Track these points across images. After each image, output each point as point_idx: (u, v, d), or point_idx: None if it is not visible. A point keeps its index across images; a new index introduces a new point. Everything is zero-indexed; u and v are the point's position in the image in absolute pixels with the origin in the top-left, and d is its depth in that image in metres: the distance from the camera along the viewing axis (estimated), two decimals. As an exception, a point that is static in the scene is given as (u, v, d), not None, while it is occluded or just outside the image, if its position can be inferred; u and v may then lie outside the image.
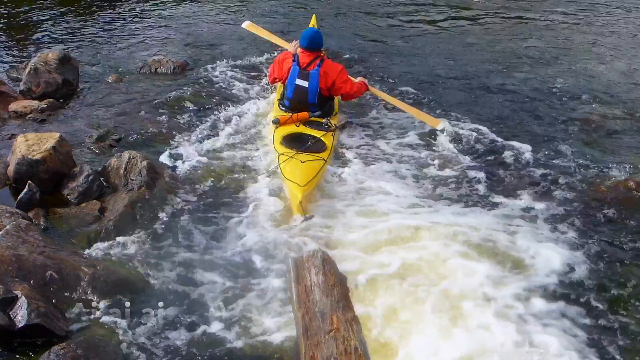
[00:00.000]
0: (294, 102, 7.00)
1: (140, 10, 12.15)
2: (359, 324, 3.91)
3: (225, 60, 9.37)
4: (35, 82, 7.88)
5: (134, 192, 5.71)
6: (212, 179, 6.29)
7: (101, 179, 5.98)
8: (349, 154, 6.96)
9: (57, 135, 6.07)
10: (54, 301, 4.30)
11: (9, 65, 9.04)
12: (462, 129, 7.56)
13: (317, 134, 6.69)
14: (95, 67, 9.10)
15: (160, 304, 4.57)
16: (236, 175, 6.43)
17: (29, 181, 5.58)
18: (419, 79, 9.17)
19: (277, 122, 6.78)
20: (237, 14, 11.87)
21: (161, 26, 11.28)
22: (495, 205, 6.17)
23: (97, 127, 7.07)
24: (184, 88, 8.35)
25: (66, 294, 4.42)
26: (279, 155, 6.32)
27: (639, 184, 6.33)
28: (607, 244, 5.62)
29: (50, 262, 4.51)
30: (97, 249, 5.01)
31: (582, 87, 9.06)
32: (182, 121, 7.44)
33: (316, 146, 6.50)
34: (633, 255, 5.48)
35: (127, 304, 4.51)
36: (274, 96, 7.81)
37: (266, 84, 8.53)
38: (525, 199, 6.28)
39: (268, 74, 7.61)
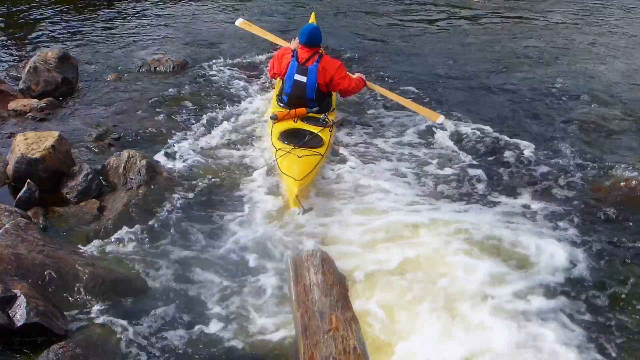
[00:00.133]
0: (293, 98, 7.04)
1: (139, 9, 12.15)
2: (357, 323, 3.93)
3: (224, 59, 9.38)
4: (35, 80, 7.88)
5: (133, 191, 5.71)
6: (211, 177, 6.28)
7: (100, 177, 5.98)
8: (347, 152, 6.98)
9: (56, 134, 6.06)
10: (53, 300, 4.29)
11: (9, 64, 9.04)
12: (461, 127, 7.58)
13: (314, 129, 6.72)
14: (94, 66, 9.10)
15: (159, 302, 4.59)
16: (235, 174, 6.44)
17: (28, 180, 5.58)
18: (418, 78, 9.17)
19: (275, 118, 6.81)
20: (237, 13, 11.86)
21: (160, 25, 11.28)
22: (494, 204, 6.18)
23: (97, 126, 7.07)
24: (184, 87, 8.37)
25: (65, 292, 4.42)
26: (276, 150, 6.36)
27: (639, 184, 6.34)
28: (608, 242, 5.62)
29: (49, 261, 4.50)
30: (96, 248, 5.01)
31: (582, 87, 9.07)
32: (181, 120, 7.44)
33: (313, 141, 6.53)
34: (633, 254, 5.49)
35: (126, 302, 4.53)
36: (273, 93, 7.85)
37: (265, 82, 8.58)
38: (524, 197, 6.29)
39: (268, 68, 7.66)
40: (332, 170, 6.60)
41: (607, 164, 6.88)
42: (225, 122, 7.43)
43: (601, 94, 8.82)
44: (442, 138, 7.39)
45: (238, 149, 6.93)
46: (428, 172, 6.71)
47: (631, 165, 6.79)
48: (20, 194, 5.49)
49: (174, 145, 6.77)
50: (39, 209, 5.45)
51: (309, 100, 7.01)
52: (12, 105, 7.40)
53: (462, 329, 4.55)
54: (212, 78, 8.76)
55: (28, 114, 7.25)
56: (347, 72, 7.31)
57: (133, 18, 11.60)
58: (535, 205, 6.13)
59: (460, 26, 12.02)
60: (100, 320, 4.30)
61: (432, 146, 7.30)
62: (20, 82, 7.95)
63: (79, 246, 5.01)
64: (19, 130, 6.58)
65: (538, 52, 10.64)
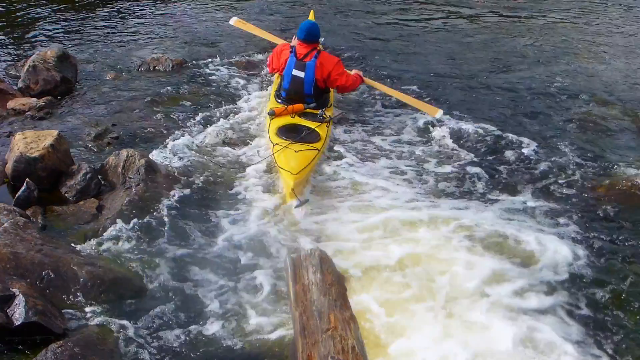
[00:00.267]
0: (291, 93, 7.09)
1: (138, 8, 12.15)
2: (356, 322, 3.93)
3: (223, 58, 9.42)
4: (34, 79, 7.88)
5: (131, 190, 5.71)
6: (209, 176, 6.29)
7: (99, 177, 5.98)
8: (346, 149, 7.01)
9: (55, 133, 6.06)
10: (51, 299, 4.29)
11: (8, 63, 9.04)
12: (460, 125, 7.62)
13: (312, 125, 6.77)
14: (93, 65, 9.10)
15: (158, 301, 4.58)
16: (233, 172, 6.45)
17: (27, 179, 5.58)
18: (418, 77, 9.19)
19: (273, 114, 6.86)
20: (236, 12, 11.88)
21: (159, 24, 11.29)
22: (494, 201, 6.19)
23: (95, 125, 7.07)
24: (182, 86, 8.38)
25: (64, 291, 4.42)
26: (273, 145, 6.41)
27: (638, 183, 6.34)
28: (607, 241, 5.63)
29: (48, 260, 4.50)
30: (95, 247, 5.00)
31: (581, 86, 9.09)
32: (180, 118, 7.44)
33: (310, 137, 6.58)
34: (633, 253, 5.50)
35: (124, 301, 4.52)
36: (271, 89, 7.91)
37: (263, 80, 8.63)
38: (523, 195, 6.31)
39: (267, 63, 7.71)
40: (331, 167, 6.62)
41: (606, 162, 6.89)
42: (223, 120, 7.43)
43: (600, 93, 8.84)
44: (441, 136, 7.43)
45: (236, 147, 6.94)
46: (427, 170, 6.73)
47: (630, 164, 6.81)
48: (19, 193, 5.49)
49: (172, 144, 6.77)
50: (37, 208, 5.44)
51: (306, 95, 7.06)
52: (11, 104, 7.40)
53: (461, 326, 4.56)
54: (211, 77, 8.78)
55: (27, 113, 7.25)
56: (345, 69, 7.34)
57: (132, 17, 11.61)
58: (535, 203, 6.14)
59: (460, 25, 12.04)
60: (98, 319, 4.30)
61: (431, 144, 7.32)
62: (19, 81, 7.95)
63: (78, 245, 5.00)
64: (17, 129, 6.59)
65: (537, 51, 10.65)
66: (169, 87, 8.26)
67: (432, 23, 12.08)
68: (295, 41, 7.37)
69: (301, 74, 7.00)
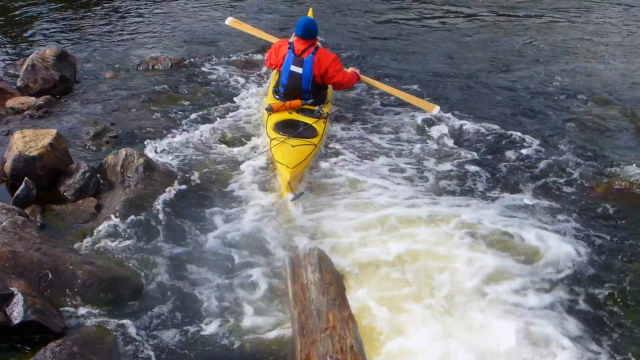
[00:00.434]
0: (289, 89, 7.15)
1: (137, 7, 12.14)
2: (355, 322, 3.93)
3: (221, 56, 9.43)
4: (33, 78, 7.87)
5: (130, 189, 5.71)
6: (208, 174, 6.30)
7: (98, 176, 5.97)
8: (344, 147, 7.06)
9: (54, 131, 6.06)
10: (50, 298, 4.29)
11: (7, 62, 9.02)
12: (459, 124, 7.66)
13: (309, 120, 6.82)
14: (92, 64, 9.09)
15: (156, 301, 4.59)
16: (231, 170, 6.47)
17: (26, 178, 5.57)
18: (417, 76, 9.20)
19: (271, 110, 6.92)
20: (235, 11, 11.87)
21: (158, 23, 11.28)
22: (492, 199, 6.22)
23: (94, 124, 7.06)
24: (181, 85, 8.39)
25: (62, 290, 4.42)
26: (270, 140, 6.47)
27: (637, 182, 6.35)
28: (606, 239, 5.65)
29: (47, 259, 4.50)
30: (93, 246, 5.01)
31: (581, 85, 9.11)
32: (178, 117, 7.44)
33: (307, 132, 6.64)
34: (632, 251, 5.52)
35: (123, 300, 4.53)
36: (269, 85, 7.96)
37: (261, 78, 8.66)
38: (522, 193, 6.34)
39: (265, 58, 7.77)
40: (329, 164, 6.66)
41: (605, 162, 6.92)
42: (222, 118, 7.45)
43: (599, 92, 8.87)
44: (440, 134, 7.47)
45: (234, 145, 6.97)
46: (425, 167, 6.76)
47: (629, 164, 6.82)
48: (17, 192, 5.49)
49: (171, 143, 6.78)
50: (36, 206, 5.44)
51: (304, 91, 7.12)
52: (10, 103, 7.39)
53: (460, 324, 4.57)
54: (210, 75, 8.79)
55: (26, 112, 7.24)
56: (342, 67, 7.39)
57: (131, 16, 11.60)
58: (534, 202, 6.16)
59: (459, 24, 12.04)
60: (97, 318, 4.31)
61: (429, 142, 7.35)
62: (18, 79, 7.94)
63: (76, 244, 5.00)
64: (16, 128, 6.57)
65: (536, 51, 10.66)
66: (167, 86, 8.26)
67: (431, 22, 12.08)
68: (293, 38, 7.40)
69: (299, 70, 7.05)
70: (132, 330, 4.25)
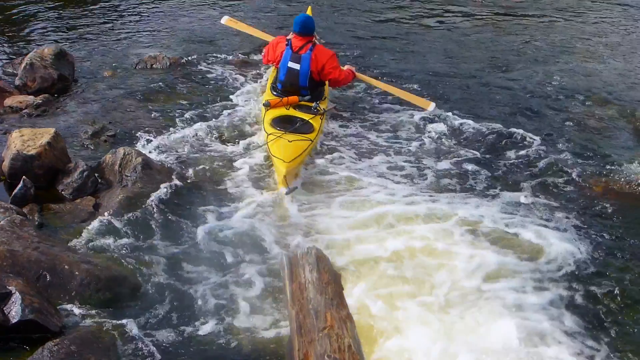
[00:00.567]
0: (286, 85, 7.21)
1: (136, 6, 12.11)
2: (352, 321, 3.93)
3: (220, 55, 9.43)
4: (31, 77, 7.87)
5: (128, 188, 5.71)
6: (206, 173, 6.34)
7: (96, 175, 5.97)
8: (341, 144, 7.13)
9: (52, 130, 6.05)
10: (47, 297, 4.29)
11: (5, 61, 9.00)
12: (457, 122, 7.70)
13: (306, 116, 6.90)
14: (91, 63, 9.08)
15: (154, 300, 4.60)
16: (229, 169, 6.49)
17: (24, 177, 5.57)
18: (415, 75, 9.21)
19: (268, 105, 7.00)
20: (234, 10, 11.85)
21: (157, 22, 11.26)
22: (490, 198, 6.25)
23: (93, 123, 7.05)
24: (179, 84, 8.39)
25: (60, 289, 4.41)
26: (267, 135, 6.55)
27: (636, 181, 6.35)
28: (605, 239, 5.68)
29: (45, 258, 4.50)
30: (91, 245, 5.01)
31: (579, 85, 9.12)
32: (177, 116, 7.44)
33: (304, 128, 6.72)
34: (630, 250, 5.55)
35: (121, 299, 4.53)
36: (266, 82, 8.01)
37: (258, 77, 8.67)
38: (519, 192, 6.37)
39: (263, 54, 7.85)
40: (326, 162, 6.72)
41: (603, 161, 6.95)
42: (220, 117, 7.47)
43: (598, 92, 8.90)
44: (438, 132, 7.51)
45: (232, 144, 6.98)
46: (423, 166, 6.80)
47: (627, 164, 6.85)
48: (15, 191, 5.48)
49: (169, 142, 6.80)
50: (34, 205, 5.44)
51: (301, 87, 7.17)
52: (8, 101, 7.38)
53: (458, 322, 4.61)
54: (208, 74, 8.79)
55: (24, 111, 7.23)
56: (339, 64, 7.47)
57: (129, 15, 11.58)
58: (532, 200, 6.20)
59: (458, 24, 12.04)
60: (95, 317, 4.31)
61: (427, 140, 7.38)
62: (16, 78, 7.94)
63: (74, 243, 5.00)
64: (14, 127, 6.56)
65: (535, 50, 10.67)
66: (166, 85, 8.26)
67: (430, 21, 12.08)
68: (291, 35, 7.45)
69: (296, 66, 7.11)
70: (129, 329, 4.24)
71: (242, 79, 8.70)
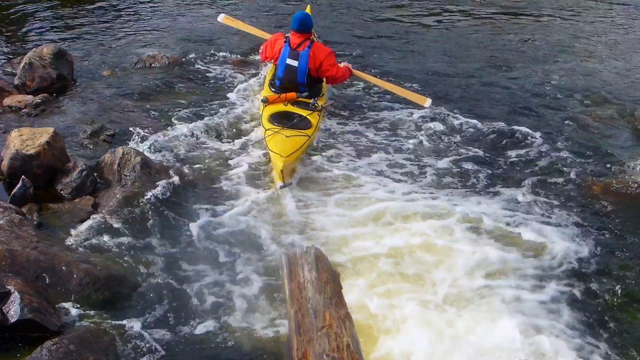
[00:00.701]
0: (284, 82, 7.27)
1: (135, 5, 12.13)
2: (351, 320, 3.93)
3: (218, 54, 9.47)
4: (30, 76, 7.86)
5: (127, 187, 5.71)
6: (205, 172, 6.35)
7: (95, 174, 5.97)
8: (340, 142, 7.18)
9: (51, 130, 6.05)
10: (46, 296, 4.29)
11: (4, 60, 9.00)
12: (455, 120, 7.75)
13: (303, 112, 6.99)
14: (90, 62, 9.08)
15: (153, 299, 4.60)
16: (228, 167, 6.51)
17: (23, 176, 5.57)
18: (414, 74, 9.25)
19: (266, 101, 7.09)
20: (233, 9, 11.86)
21: (156, 21, 11.27)
22: (488, 196, 6.27)
23: (91, 122, 7.05)
24: (178, 83, 8.41)
25: (59, 289, 4.42)
26: (265, 130, 6.63)
27: (634, 181, 6.36)
28: (604, 237, 5.70)
29: (43, 257, 4.50)
30: (90, 245, 5.00)
31: (578, 85, 9.15)
32: (176, 116, 7.45)
33: (302, 123, 6.81)
34: (629, 249, 5.56)
35: (120, 299, 4.54)
36: (264, 79, 8.07)
37: (257, 76, 8.71)
38: (518, 190, 6.37)
39: (260, 51, 7.87)
40: (324, 159, 6.77)
41: (601, 161, 6.98)
42: (218, 116, 7.50)
43: (597, 91, 8.92)
44: (436, 130, 7.55)
45: (231, 142, 7.02)
46: (422, 163, 6.84)
47: (625, 163, 6.86)
48: (14, 190, 5.48)
49: (168, 141, 6.80)
50: (33, 205, 5.44)
51: (299, 84, 7.24)
52: (7, 101, 7.37)
53: (457, 321, 4.60)
54: (207, 73, 8.81)
55: (23, 110, 7.23)
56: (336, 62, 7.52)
57: (128, 14, 11.59)
58: (531, 198, 6.23)
59: (458, 23, 12.07)
60: (93, 316, 4.31)
61: (425, 138, 7.42)
62: (15, 78, 7.93)
63: (73, 243, 5.00)
64: (13, 126, 6.55)
65: (534, 49, 10.69)
66: (164, 84, 8.28)
67: (429, 21, 12.10)
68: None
69: (295, 63, 7.17)
70: (128, 329, 4.25)
71: (240, 77, 8.73)
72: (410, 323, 4.52)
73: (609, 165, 6.84)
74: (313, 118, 6.95)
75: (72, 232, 5.16)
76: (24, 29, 10.50)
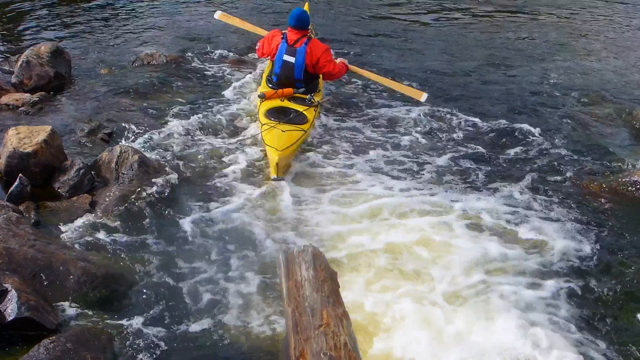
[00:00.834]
0: (281, 78, 7.33)
1: (133, 3, 12.11)
2: (348, 319, 3.93)
3: (216, 52, 9.49)
4: (28, 74, 7.85)
5: (125, 185, 5.71)
6: (202, 170, 6.37)
7: (92, 172, 5.96)
8: (336, 138, 7.23)
9: (48, 128, 6.04)
10: (44, 294, 4.28)
11: (1, 58, 8.99)
12: (453, 118, 7.78)
13: (300, 108, 7.05)
14: (87, 61, 9.08)
15: (150, 297, 4.59)
16: (226, 165, 6.52)
17: (20, 174, 5.56)
18: (412, 72, 9.27)
19: (263, 97, 7.15)
20: (230, 7, 11.85)
21: (154, 20, 11.27)
22: (486, 194, 6.27)
23: (89, 121, 7.04)
24: (176, 81, 8.40)
25: (56, 287, 4.41)
26: (261, 125, 6.68)
27: (632, 179, 6.37)
28: (603, 235, 5.70)
29: (41, 255, 4.49)
30: (88, 243, 5.00)
31: (576, 83, 9.16)
32: (173, 114, 7.45)
33: (298, 119, 6.87)
34: (628, 249, 5.57)
35: (117, 297, 4.53)
36: (262, 75, 8.12)
37: (255, 74, 8.73)
38: (514, 189, 6.38)
39: (257, 47, 7.90)
40: (321, 155, 6.80)
41: (599, 160, 6.99)
42: (216, 114, 7.51)
43: (595, 90, 8.95)
44: (434, 127, 7.59)
45: (229, 140, 7.03)
46: (420, 160, 6.87)
47: (623, 163, 6.87)
48: (11, 189, 5.47)
49: (166, 139, 6.81)
50: (30, 203, 5.42)
51: (296, 80, 7.31)
52: (5, 99, 7.36)
53: (455, 319, 4.59)
54: (204, 71, 8.82)
55: (20, 109, 7.22)
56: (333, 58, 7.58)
57: (126, 12, 11.58)
58: (529, 197, 6.23)
59: (456, 21, 12.10)
60: (91, 314, 4.30)
61: (423, 135, 7.45)
62: (13, 76, 7.92)
63: (71, 241, 4.99)
64: (11, 125, 6.53)
65: (532, 48, 10.72)
66: (162, 83, 8.27)
67: (428, 19, 12.11)
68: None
69: (292, 59, 7.24)
70: (126, 327, 4.25)
71: (238, 75, 8.75)
72: (407, 321, 4.52)
73: (607, 164, 6.86)
74: (309, 113, 7.03)
75: (70, 230, 5.16)
76: (22, 27, 10.49)
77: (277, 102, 7.13)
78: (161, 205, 5.62)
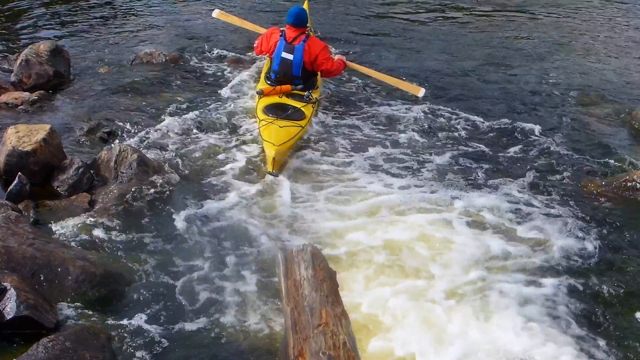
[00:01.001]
0: (280, 75, 7.39)
1: (132, 2, 12.10)
2: (347, 318, 3.93)
3: (215, 51, 9.47)
4: (27, 73, 7.84)
5: (124, 184, 5.71)
6: (201, 168, 6.37)
7: (91, 171, 5.96)
8: (335, 135, 7.23)
9: (47, 127, 6.04)
10: (42, 293, 4.29)
11: (0, 57, 8.98)
12: (453, 117, 7.75)
13: (297, 104, 7.10)
14: (86, 59, 9.06)
15: (149, 296, 4.59)
16: (225, 164, 6.52)
17: (19, 173, 5.56)
18: (411, 71, 9.26)
19: (261, 93, 7.23)
20: (229, 6, 11.83)
21: (153, 18, 11.25)
22: (484, 193, 6.26)
23: (88, 120, 7.05)
24: (175, 80, 8.40)
25: (55, 286, 4.41)
26: (260, 121, 6.75)
27: (632, 178, 6.37)
28: (603, 234, 5.70)
29: (40, 254, 4.49)
30: (87, 242, 5.00)
31: (576, 83, 9.16)
32: (173, 113, 7.44)
33: (295, 115, 6.93)
34: (626, 248, 5.57)
35: (116, 296, 4.53)
36: (261, 72, 8.13)
37: (254, 73, 8.71)
38: (515, 186, 6.39)
39: (255, 45, 7.96)
40: (319, 153, 6.82)
41: (598, 159, 6.98)
42: (215, 113, 7.51)
43: (595, 90, 8.93)
44: (434, 126, 7.57)
45: (227, 139, 7.03)
46: (420, 158, 6.87)
47: (622, 162, 6.87)
48: (11, 187, 5.47)
49: (165, 138, 6.81)
50: (29, 202, 5.42)
51: (294, 77, 7.36)
52: (4, 98, 7.35)
53: (455, 317, 4.60)
54: (204, 70, 8.83)
55: (19, 107, 7.21)
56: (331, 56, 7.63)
57: (125, 11, 11.56)
58: (528, 194, 6.25)
59: (456, 20, 12.07)
60: (90, 313, 4.31)
61: (423, 133, 7.44)
62: (12, 74, 7.91)
63: (70, 239, 5.00)
64: (10, 123, 6.53)
65: (532, 47, 10.71)
66: (161, 82, 8.27)
67: (427, 17, 12.10)
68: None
69: (290, 57, 7.29)
70: (124, 326, 4.25)
71: (237, 74, 8.74)
72: (407, 319, 4.52)
73: (607, 163, 6.86)
74: (307, 110, 7.09)
75: (69, 229, 5.16)
76: (21, 26, 10.47)
77: (275, 99, 7.20)
78: (160, 204, 5.63)
